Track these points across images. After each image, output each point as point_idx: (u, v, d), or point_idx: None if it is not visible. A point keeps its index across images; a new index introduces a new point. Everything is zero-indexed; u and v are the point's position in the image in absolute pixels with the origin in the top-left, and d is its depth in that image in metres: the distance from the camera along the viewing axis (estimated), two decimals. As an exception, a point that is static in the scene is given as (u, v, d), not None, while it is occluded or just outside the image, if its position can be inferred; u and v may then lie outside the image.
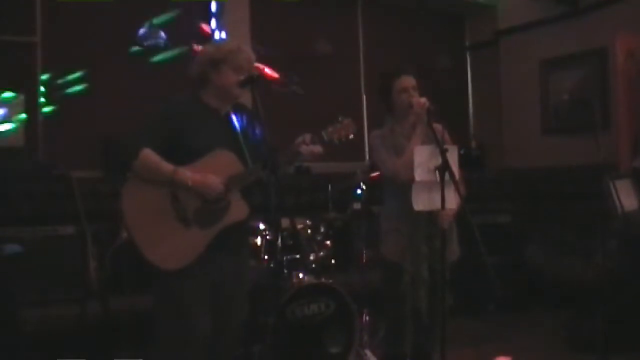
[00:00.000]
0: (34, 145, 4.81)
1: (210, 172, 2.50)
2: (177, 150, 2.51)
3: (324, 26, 6.19)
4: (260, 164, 2.58)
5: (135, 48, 5.26)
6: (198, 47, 2.91)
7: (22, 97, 4.75)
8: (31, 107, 4.81)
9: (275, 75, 2.73)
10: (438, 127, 3.10)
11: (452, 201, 2.90)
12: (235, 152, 2.59)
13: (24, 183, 4.38)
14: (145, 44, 5.25)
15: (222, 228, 2.53)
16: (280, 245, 3.73)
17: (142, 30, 5.26)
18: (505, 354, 4.01)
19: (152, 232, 2.47)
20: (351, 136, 2.71)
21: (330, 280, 3.68)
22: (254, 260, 3.81)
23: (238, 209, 2.56)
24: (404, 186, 3.18)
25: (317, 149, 2.65)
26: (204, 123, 2.59)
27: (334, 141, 2.68)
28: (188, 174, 2.47)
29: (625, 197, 3.61)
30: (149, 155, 2.47)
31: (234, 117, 2.72)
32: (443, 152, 2.83)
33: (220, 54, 2.62)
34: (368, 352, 3.84)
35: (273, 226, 3.63)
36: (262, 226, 3.80)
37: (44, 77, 4.92)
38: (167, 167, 2.47)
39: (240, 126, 2.72)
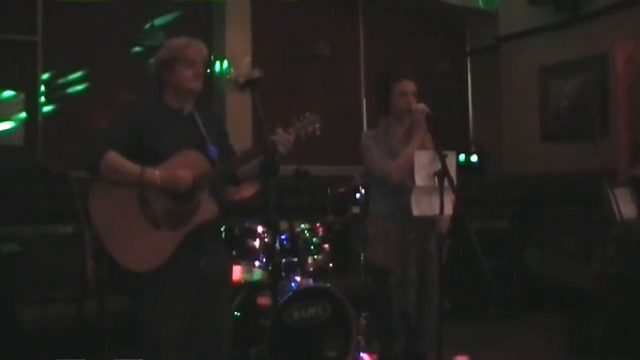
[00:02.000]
0: (34, 145, 4.81)
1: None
2: (142, 154, 2.48)
3: (324, 28, 6.20)
4: (227, 162, 2.59)
5: (136, 48, 5.26)
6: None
7: (22, 96, 4.75)
8: (31, 106, 4.80)
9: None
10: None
11: (450, 207, 2.91)
12: (201, 151, 2.57)
13: (23, 182, 4.38)
14: (145, 44, 5.25)
15: (192, 228, 2.51)
16: (278, 248, 3.73)
17: (142, 31, 5.26)
18: (503, 358, 4.03)
19: (121, 235, 2.45)
20: (317, 132, 2.67)
21: (328, 284, 3.68)
22: (250, 262, 3.81)
23: (207, 208, 2.54)
24: (395, 188, 3.19)
25: (287, 137, 2.60)
26: (167, 125, 2.57)
27: (301, 136, 2.64)
28: (156, 172, 2.45)
29: (624, 205, 3.62)
30: (114, 157, 2.44)
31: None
32: (442, 158, 2.84)
33: (170, 53, 2.60)
34: (365, 356, 3.84)
35: (271, 229, 3.62)
36: (260, 229, 3.81)
37: (44, 76, 4.92)
38: (134, 168, 2.45)
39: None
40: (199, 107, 2.73)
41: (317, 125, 2.67)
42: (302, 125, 2.65)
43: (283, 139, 2.58)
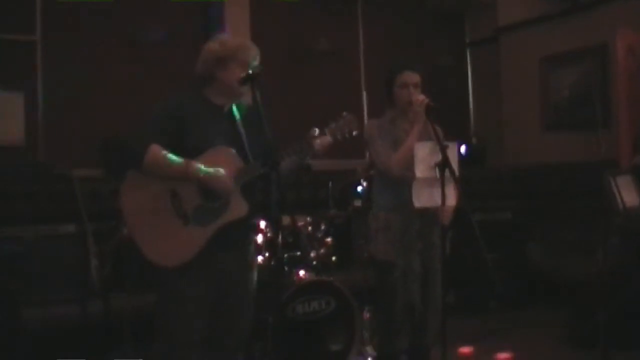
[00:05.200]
0: (34, 145, 4.81)
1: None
2: (179, 146, 2.50)
3: (324, 24, 6.19)
4: (260, 161, 2.57)
5: (135, 48, 5.25)
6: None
7: (22, 95, 4.75)
8: (31, 105, 4.81)
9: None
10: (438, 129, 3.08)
11: (452, 198, 2.90)
12: (237, 148, 2.58)
13: (25, 182, 4.38)
14: (145, 43, 5.25)
15: (221, 226, 2.51)
16: (280, 242, 3.73)
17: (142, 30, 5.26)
18: (505, 351, 4.02)
19: (151, 229, 2.47)
20: (355, 132, 2.69)
21: (331, 278, 3.68)
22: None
23: (237, 207, 2.55)
24: (396, 181, 3.18)
25: (327, 139, 2.64)
26: (206, 119, 2.58)
27: (337, 138, 2.65)
28: (200, 167, 2.47)
29: (626, 193, 3.60)
30: (157, 151, 2.46)
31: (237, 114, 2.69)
32: (443, 149, 2.83)
33: (228, 51, 2.60)
34: (369, 349, 3.84)
35: (273, 223, 3.62)
36: (262, 223, 3.81)
37: (44, 75, 4.91)
38: (179, 161, 2.47)
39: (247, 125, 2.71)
40: (240, 104, 2.74)
41: (352, 126, 2.67)
42: (338, 126, 2.65)
43: (318, 140, 2.60)
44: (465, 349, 3.84)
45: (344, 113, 2.69)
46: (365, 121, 5.98)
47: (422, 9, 6.78)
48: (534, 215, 5.82)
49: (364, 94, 6.33)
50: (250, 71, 2.55)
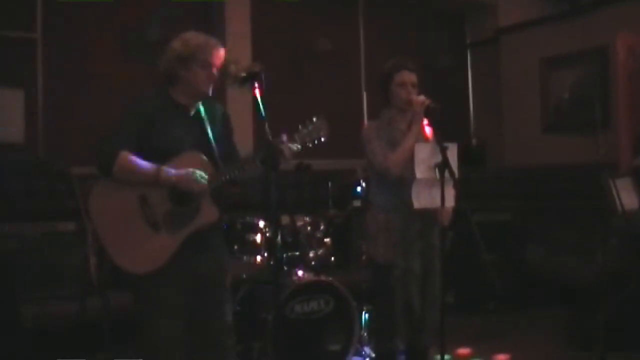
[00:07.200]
0: (34, 142, 4.81)
1: None
2: (147, 150, 2.47)
3: (324, 24, 6.19)
4: (233, 166, 2.57)
5: (135, 46, 5.25)
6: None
7: (22, 93, 4.75)
8: (31, 103, 4.80)
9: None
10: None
11: (451, 199, 2.90)
12: (205, 151, 2.55)
13: (24, 179, 4.38)
14: (146, 41, 5.24)
15: (192, 231, 2.50)
16: (279, 242, 3.73)
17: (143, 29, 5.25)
18: (504, 351, 4.03)
19: (121, 236, 2.45)
20: (323, 139, 2.65)
21: (330, 278, 3.68)
22: (251, 256, 3.81)
23: (208, 212, 2.53)
24: (394, 181, 3.18)
25: (296, 147, 2.59)
26: (173, 122, 2.55)
27: (307, 144, 2.62)
28: (172, 171, 2.45)
29: (625, 196, 3.60)
30: (127, 158, 2.44)
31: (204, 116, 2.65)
32: (443, 150, 2.83)
33: (189, 50, 2.54)
34: (367, 349, 3.84)
35: (273, 223, 3.62)
36: (261, 223, 3.80)
37: (44, 73, 4.91)
38: (149, 167, 2.45)
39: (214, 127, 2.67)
40: (205, 101, 2.70)
41: (322, 132, 2.64)
42: (308, 132, 2.63)
43: (287, 148, 2.56)
44: (464, 350, 3.84)
45: (314, 118, 2.66)
46: (365, 118, 6.03)
47: (423, 10, 6.79)
48: (533, 217, 5.82)
49: (364, 94, 6.33)
50: (258, 68, 2.54)
